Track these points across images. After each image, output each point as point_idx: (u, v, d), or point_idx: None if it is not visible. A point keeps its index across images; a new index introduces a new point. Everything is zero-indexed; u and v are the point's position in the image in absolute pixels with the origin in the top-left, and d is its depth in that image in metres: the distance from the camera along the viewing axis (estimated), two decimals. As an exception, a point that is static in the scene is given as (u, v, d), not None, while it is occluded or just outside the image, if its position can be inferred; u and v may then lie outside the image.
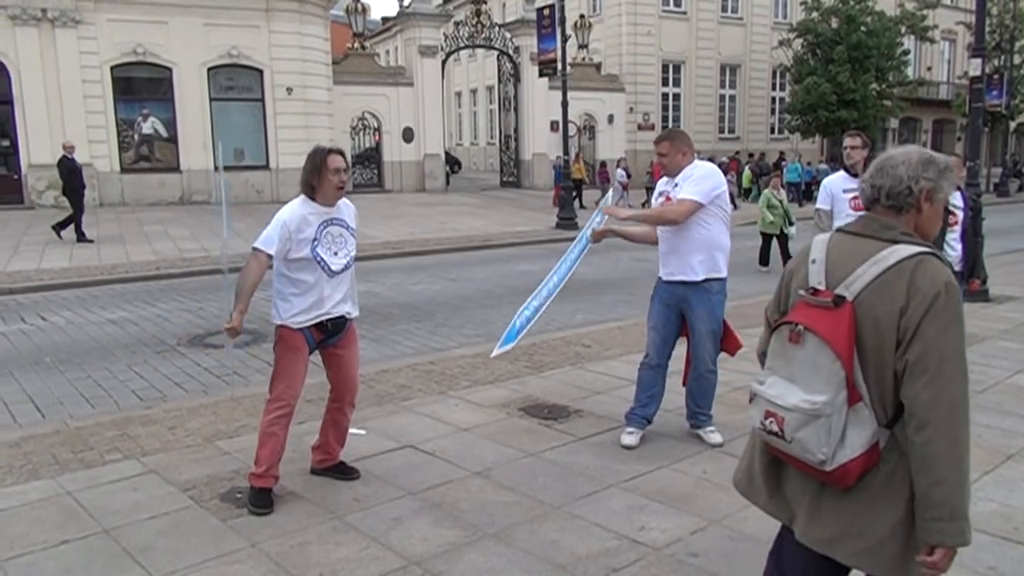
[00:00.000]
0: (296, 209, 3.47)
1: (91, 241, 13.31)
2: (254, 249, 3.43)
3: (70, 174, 13.50)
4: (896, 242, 1.75)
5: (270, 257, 3.43)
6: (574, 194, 21.71)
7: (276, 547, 3.13)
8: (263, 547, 3.13)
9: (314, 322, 3.52)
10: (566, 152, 17.55)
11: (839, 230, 1.90)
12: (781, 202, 11.41)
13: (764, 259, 11.64)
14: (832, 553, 1.79)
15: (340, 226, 3.56)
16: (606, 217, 4.37)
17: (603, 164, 23.95)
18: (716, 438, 4.24)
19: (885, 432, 1.74)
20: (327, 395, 3.81)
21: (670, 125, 29.68)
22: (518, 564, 3.00)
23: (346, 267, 3.58)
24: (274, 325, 3.62)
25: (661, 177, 4.44)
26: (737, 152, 28.84)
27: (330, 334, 3.60)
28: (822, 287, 1.79)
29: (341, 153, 3.60)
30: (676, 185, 4.12)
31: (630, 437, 4.22)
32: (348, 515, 3.40)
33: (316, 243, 3.45)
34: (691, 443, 4.26)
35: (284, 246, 3.41)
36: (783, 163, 26.38)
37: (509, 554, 3.08)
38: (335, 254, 3.51)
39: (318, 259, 3.45)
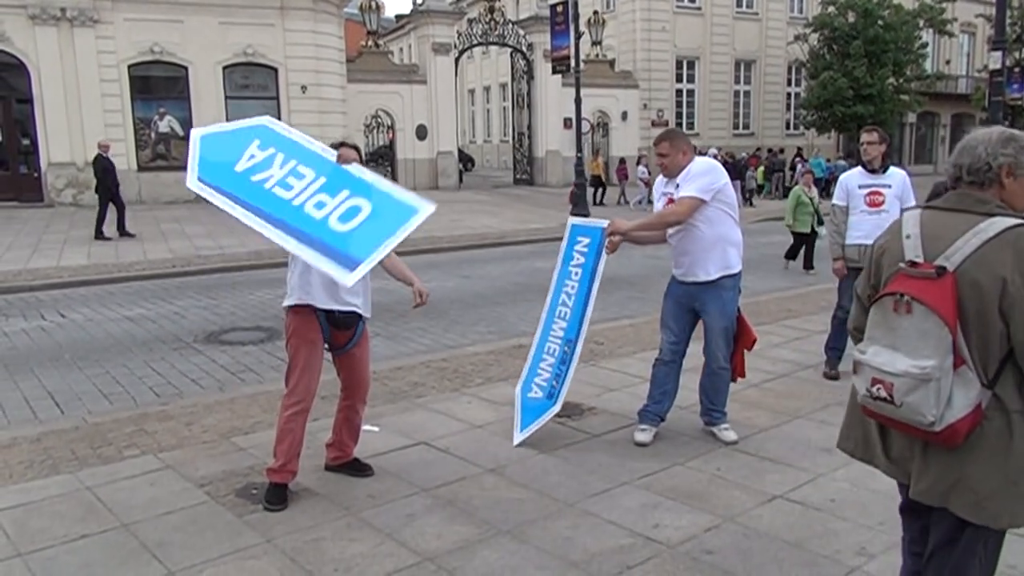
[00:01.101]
0: None
1: (108, 239, 13.47)
2: None
3: (104, 173, 13.78)
4: (992, 215, 1.86)
5: None
6: (593, 191, 21.75)
7: (291, 543, 3.15)
8: (278, 543, 3.15)
9: (324, 307, 3.48)
10: (579, 150, 17.50)
11: (928, 206, 2.01)
12: (811, 200, 10.85)
13: (796, 255, 11.06)
14: (948, 505, 1.92)
15: None
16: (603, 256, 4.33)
17: (621, 161, 23.83)
18: (730, 435, 4.22)
19: (987, 392, 1.85)
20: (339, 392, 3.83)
21: (684, 122, 29.56)
22: (532, 561, 3.00)
23: None
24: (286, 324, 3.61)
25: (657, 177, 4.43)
26: (758, 149, 28.65)
27: (342, 330, 3.59)
28: (920, 260, 1.91)
29: (355, 147, 3.63)
30: (677, 185, 4.09)
31: (643, 434, 4.21)
32: (362, 511, 3.42)
33: None
34: (705, 440, 4.25)
35: None
36: (798, 160, 26.15)
37: (523, 551, 3.08)
38: None
39: None
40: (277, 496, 3.47)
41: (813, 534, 3.20)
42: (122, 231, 13.84)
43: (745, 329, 4.28)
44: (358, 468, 3.81)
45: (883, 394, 1.88)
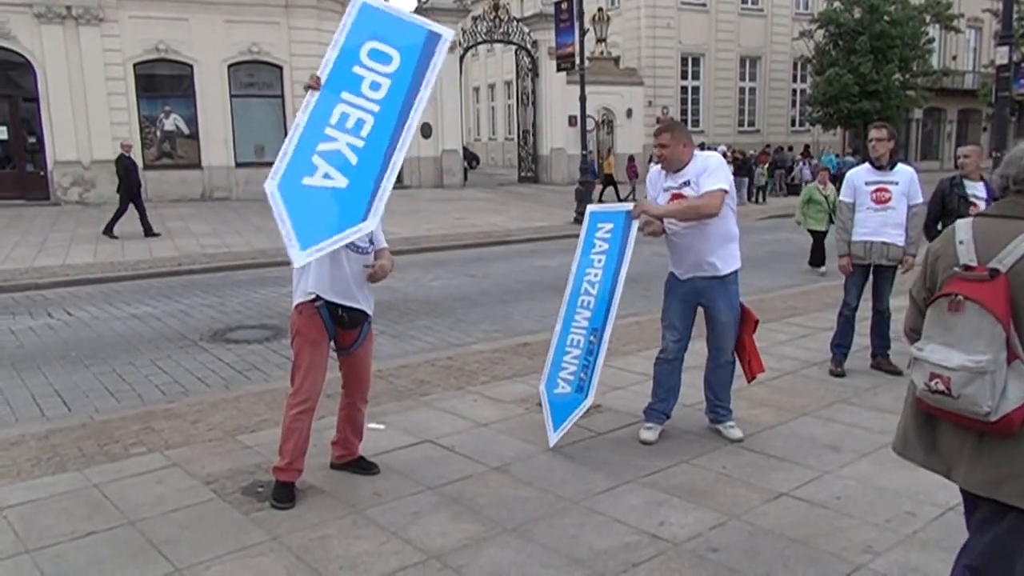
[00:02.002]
0: None
1: (116, 238, 13.52)
2: None
3: (127, 172, 13.84)
4: None
5: None
6: (604, 189, 21.76)
7: (297, 540, 3.16)
8: (284, 540, 3.16)
9: (331, 299, 3.47)
10: (584, 147, 17.46)
11: (980, 214, 2.18)
12: (827, 197, 10.40)
13: (817, 259, 10.56)
14: (998, 494, 2.02)
15: None
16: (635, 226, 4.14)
17: (631, 159, 23.75)
18: (736, 433, 4.22)
19: None
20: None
21: (689, 119, 29.48)
22: (537, 559, 3.01)
23: (364, 250, 3.58)
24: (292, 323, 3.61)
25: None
26: (767, 146, 28.58)
27: (347, 329, 3.59)
28: (974, 263, 2.04)
29: None
30: (687, 182, 4.03)
31: (649, 432, 4.21)
32: (368, 509, 3.43)
33: None
34: (711, 438, 4.24)
35: None
36: (799, 158, 26.07)
37: (528, 549, 3.08)
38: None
39: None
40: (284, 494, 3.48)
41: (819, 532, 3.19)
42: (148, 231, 13.83)
43: (746, 313, 4.26)
44: (364, 466, 3.82)
45: (941, 387, 2.01)
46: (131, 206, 13.81)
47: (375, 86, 3.55)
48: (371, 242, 3.60)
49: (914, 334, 2.23)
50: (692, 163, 4.06)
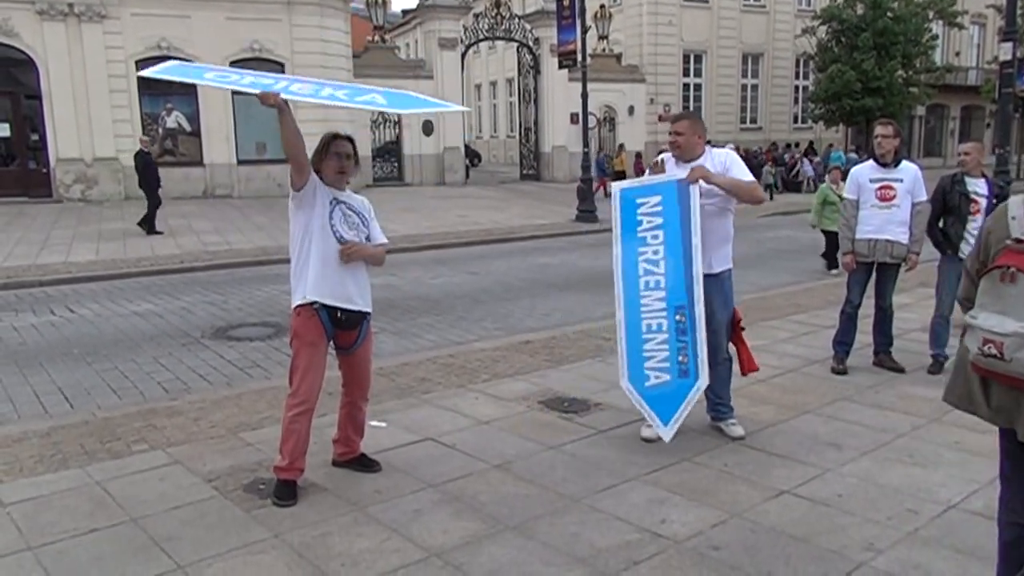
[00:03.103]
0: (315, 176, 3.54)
1: (160, 233, 13.59)
2: None
3: (146, 168, 13.89)
4: None
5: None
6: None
7: (299, 538, 3.16)
8: (286, 538, 3.17)
9: (329, 303, 3.47)
10: (586, 145, 17.44)
11: None
12: (840, 197, 10.32)
13: (832, 260, 10.00)
14: None
15: (351, 209, 3.59)
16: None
17: (638, 155, 23.67)
18: (738, 431, 4.21)
19: None
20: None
21: (691, 116, 29.34)
22: (538, 556, 3.01)
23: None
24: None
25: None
26: (773, 144, 28.52)
27: (346, 330, 3.59)
28: None
29: (350, 140, 3.64)
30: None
31: (650, 430, 4.20)
32: (369, 507, 3.43)
33: (330, 213, 3.48)
34: (712, 436, 4.24)
35: (311, 178, 3.45)
36: (800, 155, 26.00)
37: (529, 546, 3.08)
38: (349, 228, 3.53)
39: (333, 228, 3.46)
40: (286, 492, 3.48)
41: (820, 529, 3.19)
42: (151, 229, 13.82)
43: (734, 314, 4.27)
44: (365, 464, 3.82)
45: (994, 352, 2.16)
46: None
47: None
48: (368, 239, 3.61)
49: (967, 303, 2.38)
50: (704, 158, 4.07)
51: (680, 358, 3.89)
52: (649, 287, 3.94)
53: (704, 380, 3.90)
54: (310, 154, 3.59)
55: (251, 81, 3.62)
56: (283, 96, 3.39)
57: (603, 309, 8.13)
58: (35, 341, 6.92)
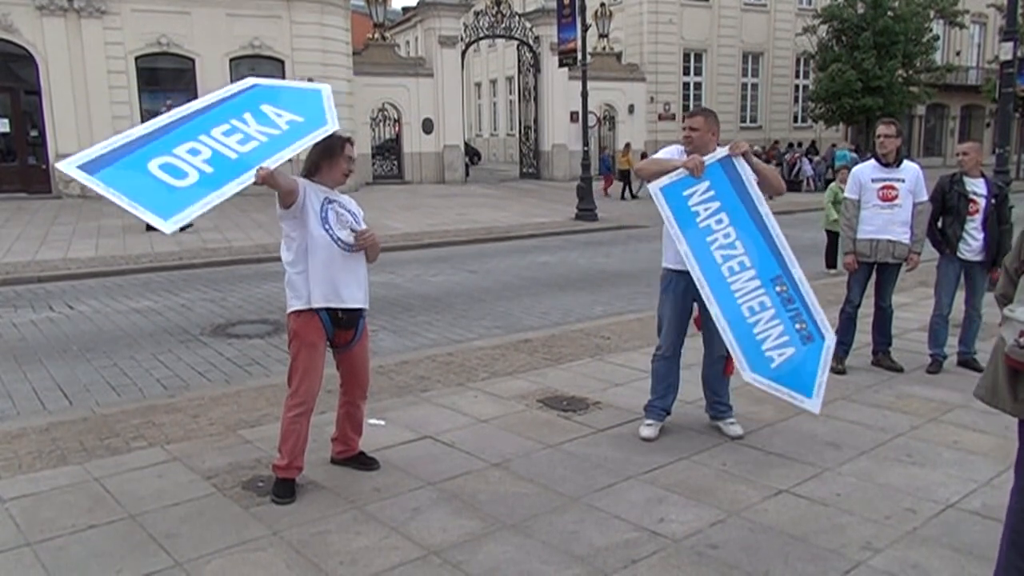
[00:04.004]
0: (299, 179, 3.51)
1: (186, 228, 13.58)
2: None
3: None
4: None
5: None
6: (624, 185, 21.78)
7: (297, 535, 3.17)
8: (285, 535, 3.17)
9: (327, 306, 3.47)
10: (586, 143, 17.43)
11: None
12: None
13: (831, 260, 9.89)
14: None
15: (344, 208, 3.58)
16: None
17: (644, 155, 23.65)
18: (736, 430, 4.22)
19: None
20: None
21: (691, 114, 29.34)
22: (537, 555, 3.01)
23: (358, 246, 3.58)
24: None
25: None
26: (776, 143, 28.49)
27: (345, 329, 3.58)
28: None
29: (348, 139, 3.67)
30: None
31: (649, 429, 4.21)
32: (368, 505, 3.43)
33: (324, 215, 3.47)
34: (711, 435, 4.24)
35: (300, 191, 3.41)
36: (801, 156, 25.99)
37: (528, 545, 3.09)
38: (342, 228, 3.53)
39: (328, 230, 3.45)
40: (285, 490, 3.48)
41: (819, 528, 3.20)
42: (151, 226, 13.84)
43: None
44: (364, 462, 3.82)
45: None
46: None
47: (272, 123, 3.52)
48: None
49: (1004, 299, 2.53)
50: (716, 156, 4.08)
51: (797, 326, 3.73)
52: (735, 271, 3.77)
53: (831, 336, 3.75)
54: (310, 152, 3.59)
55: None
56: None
57: (602, 308, 8.15)
58: (34, 337, 6.92)
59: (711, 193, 3.82)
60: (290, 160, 3.52)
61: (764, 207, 3.76)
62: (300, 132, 3.57)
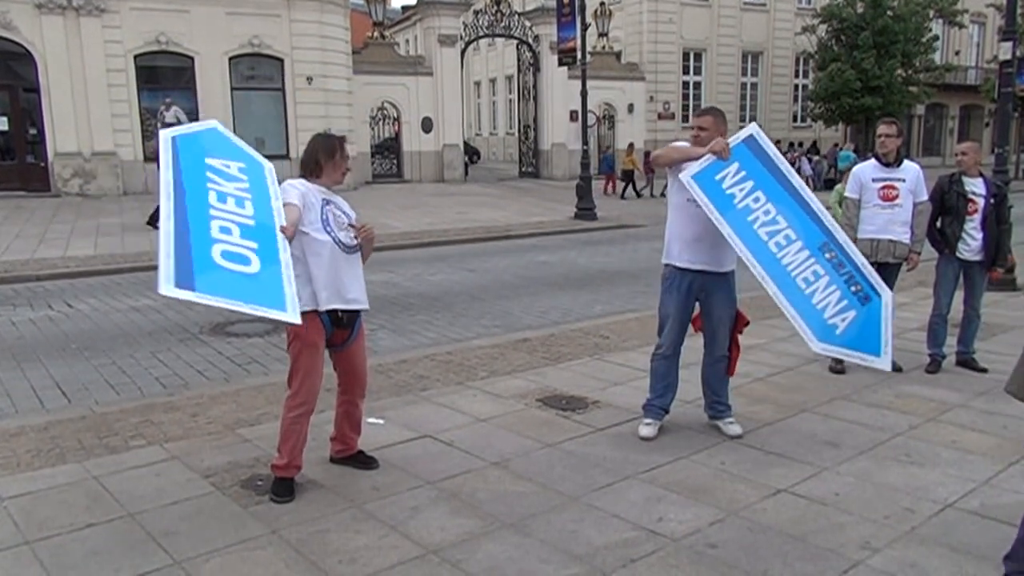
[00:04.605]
0: (298, 181, 3.53)
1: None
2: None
3: None
4: None
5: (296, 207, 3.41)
6: (626, 186, 21.74)
7: (296, 534, 3.16)
8: (283, 534, 3.17)
9: (330, 307, 3.47)
10: (586, 143, 17.42)
11: None
12: None
13: None
14: None
15: (339, 209, 3.60)
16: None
17: (647, 154, 23.56)
18: (735, 429, 4.22)
19: None
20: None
21: (691, 114, 29.36)
22: (536, 554, 3.01)
23: (355, 247, 3.59)
24: None
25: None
26: (777, 142, 28.45)
27: (343, 328, 3.57)
28: None
29: (342, 138, 3.71)
30: None
31: (648, 428, 4.21)
32: (367, 504, 3.43)
33: (325, 218, 3.48)
34: (710, 434, 4.24)
35: (300, 202, 3.43)
36: (802, 155, 25.98)
37: (527, 544, 3.09)
38: (339, 229, 3.53)
39: (328, 230, 3.46)
40: (284, 488, 3.48)
41: (817, 528, 3.20)
42: (155, 223, 13.82)
43: (737, 314, 4.27)
44: (363, 461, 3.82)
45: None
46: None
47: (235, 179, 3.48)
48: (357, 246, 3.61)
49: None
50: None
51: (853, 289, 3.78)
52: (782, 246, 3.77)
53: (888, 292, 3.79)
54: (308, 151, 3.59)
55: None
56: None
57: (601, 307, 8.14)
58: (32, 336, 6.91)
59: (742, 174, 3.81)
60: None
61: (796, 178, 3.79)
62: (256, 176, 3.55)
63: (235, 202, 3.35)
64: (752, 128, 4.04)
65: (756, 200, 3.79)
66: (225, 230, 3.19)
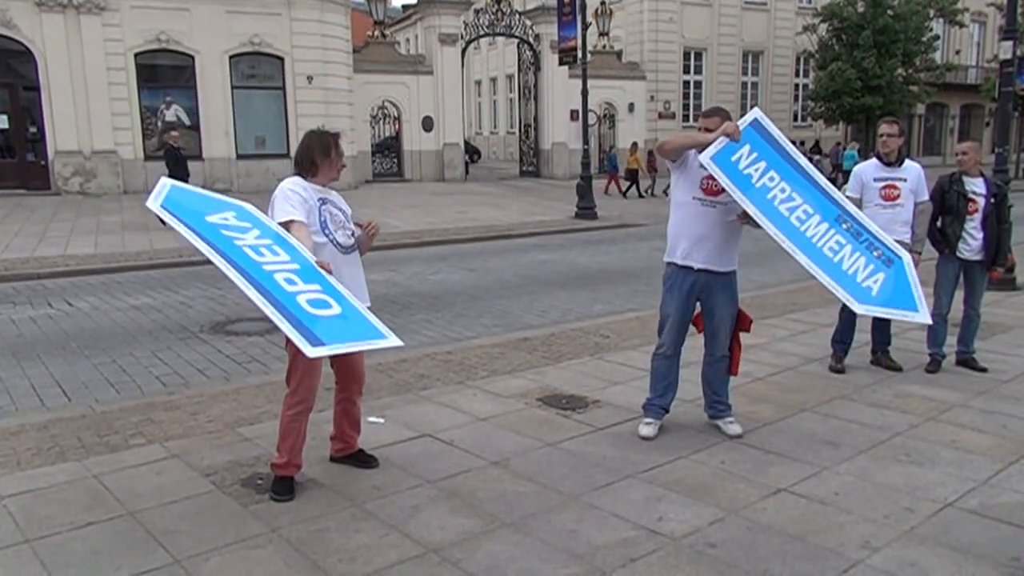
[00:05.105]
0: (295, 183, 3.50)
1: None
2: (284, 223, 3.41)
3: (176, 163, 13.89)
4: None
5: (304, 224, 3.40)
6: (631, 185, 21.72)
7: (296, 533, 3.17)
8: (283, 533, 3.17)
9: None
10: (586, 142, 17.41)
11: None
12: None
13: None
14: None
15: (335, 207, 3.59)
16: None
17: (651, 153, 23.54)
18: (735, 429, 4.22)
19: None
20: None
21: (692, 114, 29.36)
22: (536, 553, 3.01)
23: (353, 247, 3.59)
24: None
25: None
26: None
27: None
28: None
29: (336, 135, 3.67)
30: None
31: (648, 428, 4.21)
32: (367, 503, 3.43)
33: (323, 220, 3.48)
34: (710, 433, 4.24)
35: (304, 211, 3.42)
36: (803, 154, 25.94)
37: (527, 543, 3.09)
38: (338, 228, 3.53)
39: (327, 232, 3.46)
40: (284, 487, 3.48)
41: (817, 527, 3.20)
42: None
43: (741, 313, 4.27)
44: (363, 459, 3.82)
45: None
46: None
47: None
48: (353, 234, 3.61)
49: None
50: None
51: (875, 254, 3.90)
52: (803, 220, 3.85)
53: (906, 255, 3.97)
54: (303, 151, 3.57)
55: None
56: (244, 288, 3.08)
57: (601, 306, 8.14)
58: (32, 334, 6.91)
59: (755, 155, 3.88)
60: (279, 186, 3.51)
61: (801, 157, 3.89)
62: (254, 220, 3.49)
63: (269, 252, 3.29)
64: (756, 112, 4.09)
65: (771, 179, 3.86)
66: (290, 281, 3.18)
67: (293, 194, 3.46)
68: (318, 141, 3.58)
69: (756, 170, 3.85)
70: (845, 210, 3.95)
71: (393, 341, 3.17)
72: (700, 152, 3.91)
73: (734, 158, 3.86)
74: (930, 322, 4.30)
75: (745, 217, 3.92)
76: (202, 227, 3.29)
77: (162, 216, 3.33)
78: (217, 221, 3.39)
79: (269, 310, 2.98)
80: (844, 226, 3.90)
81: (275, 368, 5.69)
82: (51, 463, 3.85)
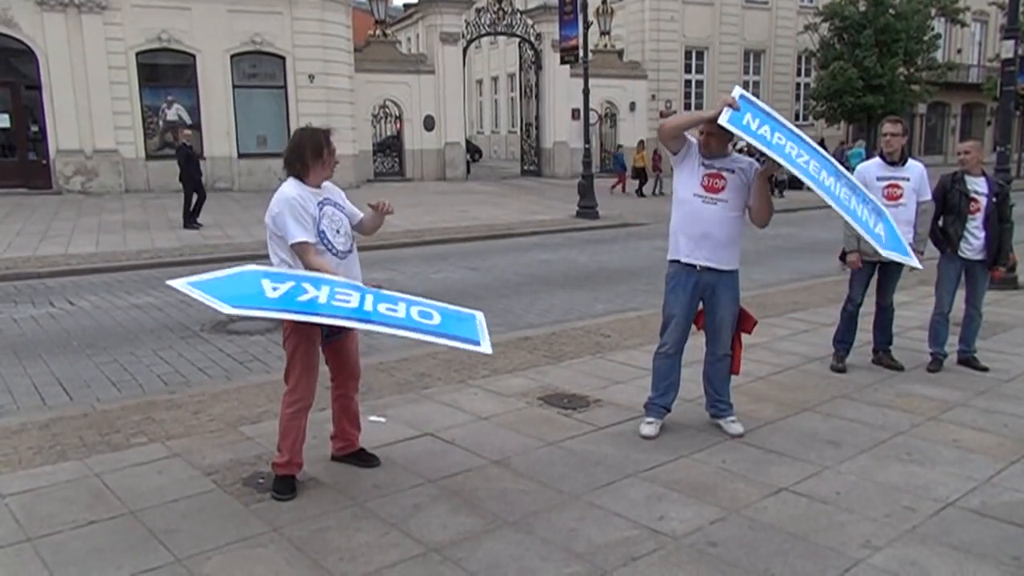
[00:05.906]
0: (294, 189, 3.45)
1: (200, 226, 13.54)
2: (298, 244, 3.38)
3: (187, 161, 13.90)
4: None
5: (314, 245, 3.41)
6: (641, 182, 21.71)
7: (297, 532, 3.17)
8: (285, 531, 3.17)
9: None
10: (587, 141, 17.40)
11: None
12: None
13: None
14: None
15: (332, 206, 3.56)
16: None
17: (656, 151, 23.51)
18: (736, 428, 4.22)
19: None
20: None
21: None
22: (537, 552, 3.01)
23: (350, 249, 3.58)
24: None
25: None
26: None
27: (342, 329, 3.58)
28: None
29: (327, 131, 3.60)
30: (732, 170, 4.05)
31: (649, 427, 4.21)
32: (368, 501, 3.44)
33: (321, 228, 3.46)
34: (711, 433, 4.24)
35: (308, 221, 3.42)
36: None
37: (528, 542, 3.09)
38: (336, 232, 3.52)
39: (326, 242, 3.45)
40: (285, 486, 3.48)
41: (818, 526, 3.20)
42: (189, 223, 13.67)
43: (745, 315, 4.27)
44: (364, 458, 3.82)
45: None
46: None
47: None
48: (351, 248, 3.60)
49: None
50: (730, 159, 4.10)
51: (871, 206, 4.16)
52: (818, 172, 3.94)
53: (887, 212, 4.32)
54: (292, 151, 3.52)
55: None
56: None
57: (603, 305, 8.14)
58: (34, 333, 6.92)
59: (758, 120, 3.95)
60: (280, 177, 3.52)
61: (791, 126, 4.03)
62: (295, 276, 3.44)
63: (343, 296, 3.29)
64: (738, 89, 4.08)
65: (779, 139, 3.94)
66: (391, 309, 3.35)
67: (301, 208, 3.39)
68: (309, 140, 3.49)
69: (765, 132, 3.92)
70: (838, 171, 4.09)
71: (484, 347, 3.47)
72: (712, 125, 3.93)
73: (743, 123, 3.91)
74: (920, 267, 4.56)
75: (768, 172, 4.00)
76: (285, 303, 3.20)
77: (248, 314, 3.27)
78: (279, 295, 3.24)
79: (427, 337, 3.30)
80: (844, 180, 4.08)
81: (276, 367, 5.68)
82: (52, 462, 3.85)
